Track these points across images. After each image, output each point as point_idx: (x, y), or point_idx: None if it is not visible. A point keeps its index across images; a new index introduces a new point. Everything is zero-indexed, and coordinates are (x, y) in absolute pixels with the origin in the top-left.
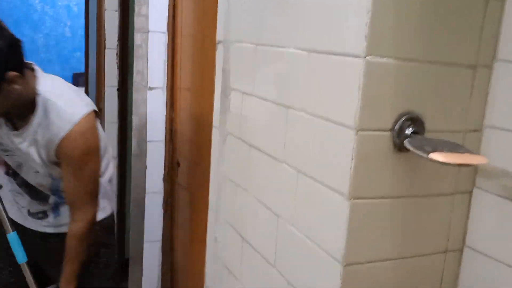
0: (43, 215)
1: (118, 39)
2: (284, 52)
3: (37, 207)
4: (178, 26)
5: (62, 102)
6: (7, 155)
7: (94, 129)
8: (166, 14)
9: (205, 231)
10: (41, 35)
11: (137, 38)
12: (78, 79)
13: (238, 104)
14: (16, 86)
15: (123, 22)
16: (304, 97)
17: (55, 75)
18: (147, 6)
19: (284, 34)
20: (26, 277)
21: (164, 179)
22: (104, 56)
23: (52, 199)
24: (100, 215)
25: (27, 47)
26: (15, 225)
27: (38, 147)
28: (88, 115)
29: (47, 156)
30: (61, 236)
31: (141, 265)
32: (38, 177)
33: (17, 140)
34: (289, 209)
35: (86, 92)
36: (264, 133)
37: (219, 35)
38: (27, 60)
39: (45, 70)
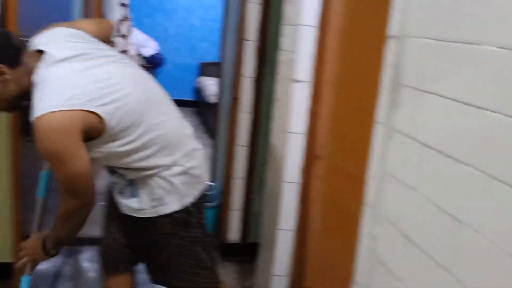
0: (121, 191)
1: (258, 32)
2: (479, 50)
3: (118, 186)
4: (329, 20)
5: (38, 95)
6: None
7: (55, 130)
8: (317, 8)
9: (353, 225)
10: (173, 24)
11: (285, 31)
12: (205, 68)
13: (411, 102)
14: (6, 76)
15: (264, 15)
16: (505, 99)
17: (184, 63)
18: (300, 0)
19: (480, 30)
20: (35, 211)
21: (302, 171)
22: (244, 47)
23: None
24: (167, 209)
25: (161, 35)
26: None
27: None
28: (51, 114)
29: None
30: (138, 223)
31: (273, 251)
32: None
33: None
34: (476, 215)
35: (220, 81)
36: (444, 134)
37: (392, 30)
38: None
39: (174, 59)
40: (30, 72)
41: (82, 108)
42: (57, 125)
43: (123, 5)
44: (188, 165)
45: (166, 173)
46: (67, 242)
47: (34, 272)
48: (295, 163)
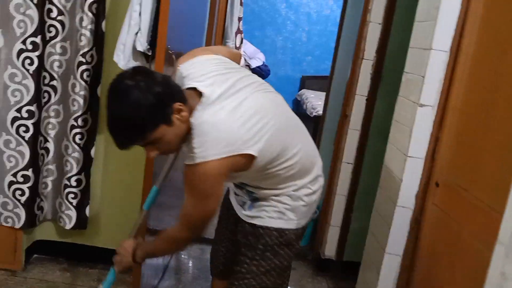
0: (243, 203)
1: (376, 52)
2: None
3: (241, 198)
4: (462, 47)
5: (196, 140)
6: None
7: (211, 177)
8: (451, 33)
9: (478, 260)
10: (281, 37)
11: (411, 54)
12: (306, 81)
13: None
14: (184, 113)
15: (384, 36)
16: None
17: (287, 75)
18: (433, 24)
19: None
20: (137, 220)
21: (417, 196)
22: (359, 66)
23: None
24: (285, 225)
25: (268, 47)
26: (234, 216)
27: None
28: (210, 162)
29: None
30: (248, 228)
31: (377, 274)
32: None
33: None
34: None
35: (327, 96)
36: None
37: None
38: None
39: (279, 71)
40: (191, 111)
41: (237, 153)
42: (213, 173)
43: (239, 18)
44: (314, 188)
45: (293, 193)
46: (155, 257)
47: (149, 263)
48: (411, 188)
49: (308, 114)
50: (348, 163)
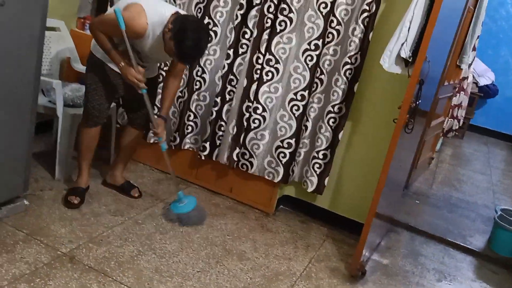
0: None
1: None
2: None
3: None
4: None
5: None
6: None
7: (130, 14)
8: None
9: None
10: None
11: None
12: None
13: None
14: None
15: None
16: None
17: (507, 97)
18: None
19: None
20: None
21: None
22: None
23: None
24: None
25: (500, 67)
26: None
27: None
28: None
29: None
30: None
31: None
32: None
33: None
34: None
35: None
36: None
37: None
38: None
39: (507, 91)
40: None
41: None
42: (132, 13)
43: (477, 37)
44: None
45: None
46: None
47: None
48: None
49: None
50: None
